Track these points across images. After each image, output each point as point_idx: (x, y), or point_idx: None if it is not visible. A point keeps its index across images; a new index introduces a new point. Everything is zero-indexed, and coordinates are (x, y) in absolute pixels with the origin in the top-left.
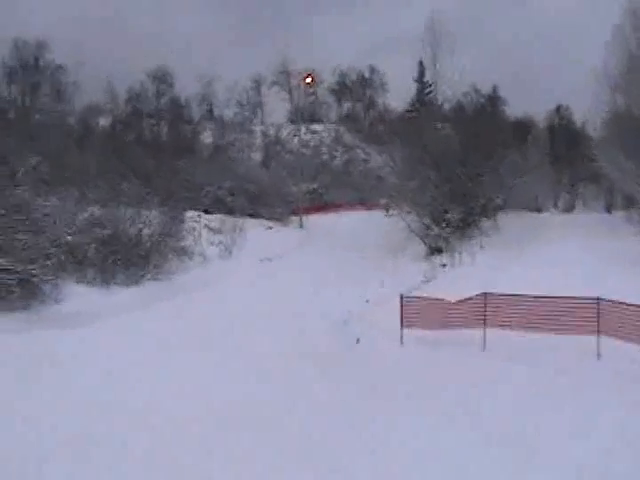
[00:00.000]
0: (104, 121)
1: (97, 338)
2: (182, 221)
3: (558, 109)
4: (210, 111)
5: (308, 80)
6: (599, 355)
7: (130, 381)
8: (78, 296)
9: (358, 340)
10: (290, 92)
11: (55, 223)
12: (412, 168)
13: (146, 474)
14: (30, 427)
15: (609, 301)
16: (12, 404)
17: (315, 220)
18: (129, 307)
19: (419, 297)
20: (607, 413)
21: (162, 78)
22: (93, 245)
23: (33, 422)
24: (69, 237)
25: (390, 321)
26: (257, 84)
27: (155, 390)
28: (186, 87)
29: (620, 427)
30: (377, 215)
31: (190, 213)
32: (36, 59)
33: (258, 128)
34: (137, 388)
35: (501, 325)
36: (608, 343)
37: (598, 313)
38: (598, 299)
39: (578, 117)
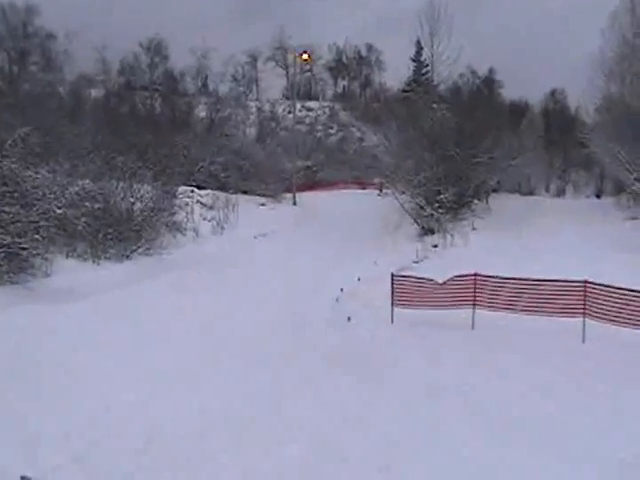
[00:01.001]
0: (96, 92)
1: (89, 313)
2: (175, 196)
3: (553, 93)
4: (205, 85)
5: (304, 56)
6: (584, 338)
7: (121, 361)
8: (68, 270)
9: (349, 318)
10: (286, 68)
11: (45, 196)
12: (407, 148)
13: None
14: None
15: (596, 284)
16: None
17: (309, 198)
18: (121, 282)
19: (409, 277)
20: (586, 391)
21: (156, 49)
22: (84, 219)
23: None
24: (59, 210)
25: (381, 300)
26: (253, 59)
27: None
28: (180, 60)
29: (597, 404)
30: (371, 194)
31: (183, 188)
32: (24, 25)
33: (253, 103)
34: (128, 371)
35: (489, 306)
36: (594, 326)
37: (585, 296)
38: (585, 282)
39: (573, 102)
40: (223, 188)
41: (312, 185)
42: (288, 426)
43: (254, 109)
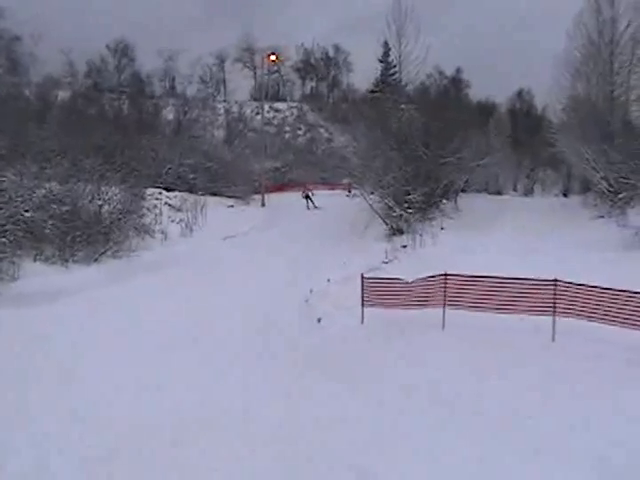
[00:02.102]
0: (63, 94)
1: (61, 315)
2: (143, 198)
3: (520, 93)
4: (172, 87)
5: (272, 58)
6: (554, 336)
7: (97, 359)
8: (36, 274)
9: (319, 320)
10: (254, 69)
11: (12, 199)
12: (375, 149)
13: None
14: None
15: (565, 282)
16: None
17: (278, 199)
18: (90, 284)
19: (379, 278)
20: (550, 385)
21: (123, 51)
22: (51, 222)
23: None
24: (26, 213)
25: (351, 300)
26: (220, 61)
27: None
28: (147, 62)
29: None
30: (340, 195)
31: (151, 190)
32: None
33: (221, 105)
34: (103, 368)
35: (460, 305)
36: (564, 324)
37: (555, 294)
38: (555, 280)
39: (540, 102)
40: (191, 190)
41: (281, 186)
42: (265, 428)
43: (222, 111)
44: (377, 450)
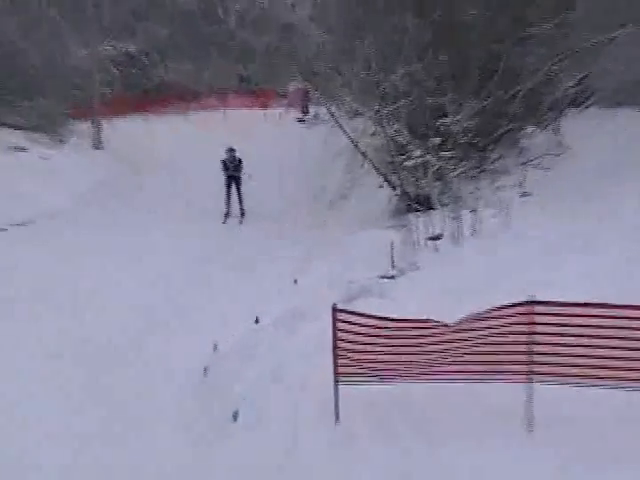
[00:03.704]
0: None
1: None
2: None
3: None
4: None
5: None
6: None
7: None
8: None
9: (235, 415)
10: None
11: None
12: (363, 9)
13: None
14: None
15: None
16: None
17: (133, 131)
18: None
19: (371, 315)
20: None
21: None
22: None
23: None
24: None
25: (309, 365)
26: None
27: None
28: None
29: None
30: (284, 121)
31: None
32: None
33: None
34: None
35: (566, 373)
36: None
37: None
38: None
39: None
40: None
41: (141, 101)
42: None
43: None
44: None
